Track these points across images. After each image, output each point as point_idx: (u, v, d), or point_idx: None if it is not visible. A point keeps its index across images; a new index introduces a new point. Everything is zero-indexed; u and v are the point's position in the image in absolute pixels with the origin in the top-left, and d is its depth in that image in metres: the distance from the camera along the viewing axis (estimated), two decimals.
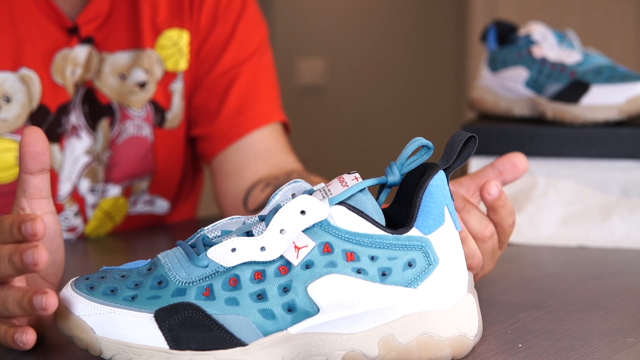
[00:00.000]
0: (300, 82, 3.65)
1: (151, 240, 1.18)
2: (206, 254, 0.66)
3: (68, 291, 0.66)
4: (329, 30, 3.63)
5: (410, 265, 0.65)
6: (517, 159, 0.85)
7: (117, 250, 1.16)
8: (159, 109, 1.17)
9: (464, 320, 0.67)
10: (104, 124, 1.14)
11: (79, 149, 1.13)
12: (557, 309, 0.82)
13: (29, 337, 0.66)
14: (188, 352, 0.64)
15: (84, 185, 1.14)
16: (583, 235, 1.12)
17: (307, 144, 3.57)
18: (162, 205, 1.23)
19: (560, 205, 1.14)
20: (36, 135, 0.69)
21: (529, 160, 1.16)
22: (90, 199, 1.15)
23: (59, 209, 1.12)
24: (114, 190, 1.16)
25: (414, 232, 0.66)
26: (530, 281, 0.95)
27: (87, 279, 0.67)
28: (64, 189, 1.12)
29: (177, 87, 1.17)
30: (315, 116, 3.67)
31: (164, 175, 1.20)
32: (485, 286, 0.89)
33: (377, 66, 3.62)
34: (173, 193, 1.24)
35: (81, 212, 1.15)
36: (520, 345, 0.72)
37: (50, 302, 0.64)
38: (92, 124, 1.13)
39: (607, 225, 1.12)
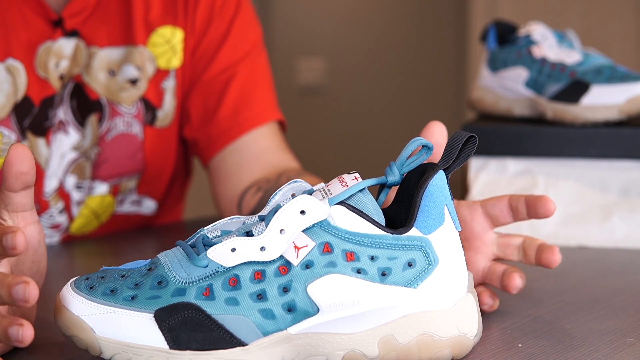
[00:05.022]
0: (300, 82, 3.65)
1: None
2: (206, 254, 0.66)
3: (68, 291, 0.66)
4: (329, 30, 3.63)
5: (410, 265, 0.65)
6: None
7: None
8: (150, 107, 1.16)
9: (464, 320, 0.67)
10: (92, 119, 1.12)
11: (66, 144, 1.11)
12: (557, 308, 0.82)
13: (26, 334, 0.61)
14: (188, 352, 0.64)
15: (70, 181, 1.13)
16: (583, 235, 1.12)
17: (307, 144, 3.56)
18: (149, 206, 1.22)
19: (560, 205, 1.14)
20: (22, 154, 0.67)
21: (527, 159, 1.16)
22: (75, 195, 1.13)
23: (44, 206, 1.11)
24: (101, 188, 1.15)
25: (413, 232, 0.66)
26: (530, 281, 0.94)
27: (87, 278, 0.67)
28: (50, 185, 1.11)
29: (169, 85, 1.16)
30: (315, 116, 3.67)
31: (153, 175, 1.19)
32: None
33: (377, 66, 3.62)
34: (161, 193, 1.22)
35: (66, 209, 1.14)
36: (520, 345, 0.72)
37: (33, 293, 0.61)
38: (81, 119, 1.12)
39: (607, 225, 1.12)
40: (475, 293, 0.69)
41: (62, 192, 1.13)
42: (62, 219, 1.14)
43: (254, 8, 1.26)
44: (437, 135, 0.79)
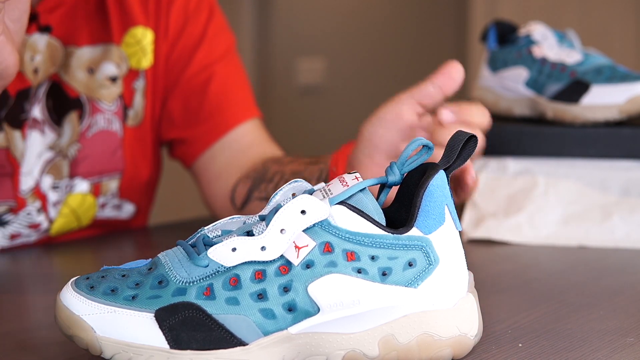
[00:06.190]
0: (300, 82, 3.65)
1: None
2: (207, 254, 0.66)
3: (68, 290, 0.66)
4: (329, 30, 3.63)
5: (410, 265, 0.66)
6: (453, 71, 0.93)
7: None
8: (124, 106, 1.16)
9: (464, 320, 0.67)
10: (72, 116, 1.12)
11: (42, 144, 1.10)
12: (557, 309, 0.82)
13: None
14: (188, 351, 0.64)
15: (46, 182, 1.12)
16: (583, 235, 1.12)
17: (306, 144, 3.57)
18: (128, 210, 1.21)
19: (560, 205, 1.14)
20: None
21: (527, 159, 1.16)
22: (52, 196, 1.12)
23: (21, 203, 1.10)
24: (82, 186, 1.14)
25: (414, 231, 0.66)
26: (530, 281, 0.95)
27: (88, 278, 0.67)
28: (26, 184, 1.10)
29: (139, 85, 1.17)
30: (315, 116, 3.67)
31: (133, 175, 1.18)
32: (485, 286, 0.89)
33: (376, 66, 3.62)
34: (139, 195, 1.22)
35: (43, 209, 1.12)
36: (520, 345, 0.72)
37: None
38: (57, 118, 1.12)
39: (607, 225, 1.12)
40: (475, 293, 0.69)
41: (38, 192, 1.11)
42: (40, 219, 1.12)
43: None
44: (454, 74, 0.91)
